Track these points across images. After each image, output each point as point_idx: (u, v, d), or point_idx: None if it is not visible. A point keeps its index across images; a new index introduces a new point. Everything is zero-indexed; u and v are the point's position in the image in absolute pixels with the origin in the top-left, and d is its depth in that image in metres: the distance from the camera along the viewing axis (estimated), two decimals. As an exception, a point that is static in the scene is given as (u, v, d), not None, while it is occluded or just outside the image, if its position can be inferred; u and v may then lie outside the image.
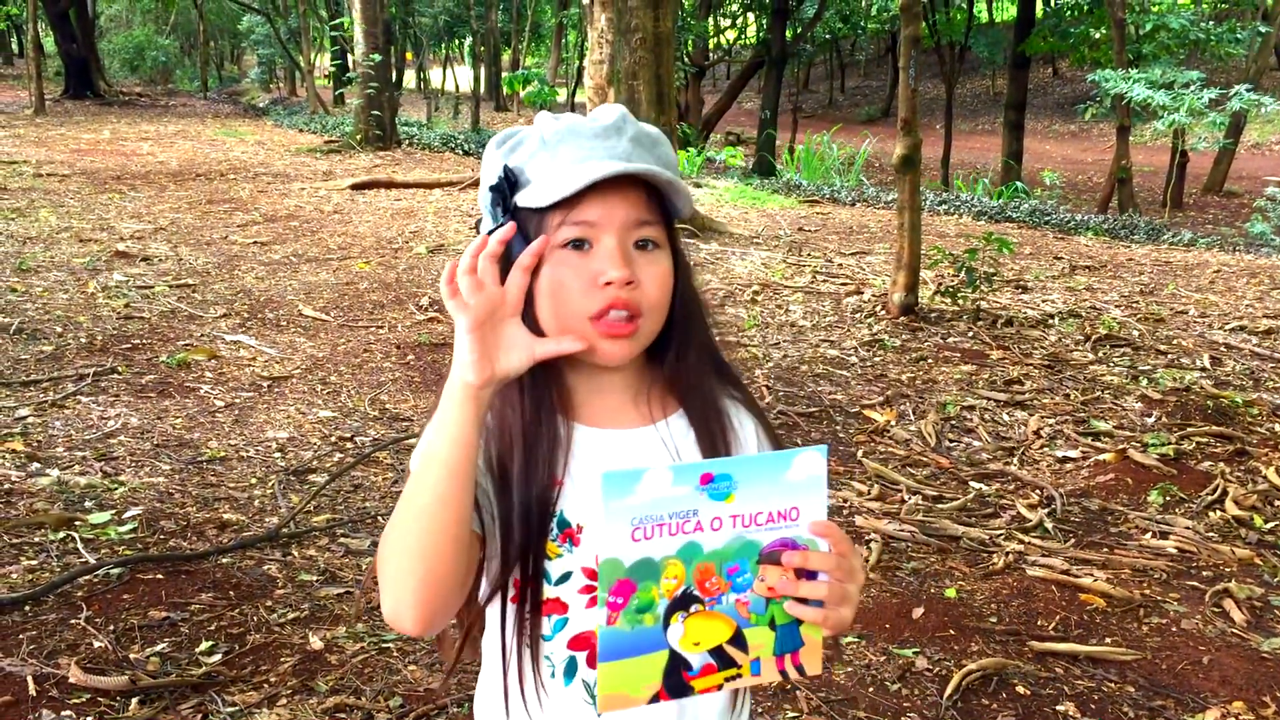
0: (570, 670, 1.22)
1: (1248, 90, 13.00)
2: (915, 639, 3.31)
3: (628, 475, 1.01)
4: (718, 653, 1.07)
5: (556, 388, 1.24)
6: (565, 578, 1.21)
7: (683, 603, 1.05)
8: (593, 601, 1.21)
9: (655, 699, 1.07)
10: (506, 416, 1.22)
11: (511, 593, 1.23)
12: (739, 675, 1.09)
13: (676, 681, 1.07)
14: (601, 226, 1.18)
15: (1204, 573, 3.85)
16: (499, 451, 1.22)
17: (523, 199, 1.20)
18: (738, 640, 1.08)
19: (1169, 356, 6.51)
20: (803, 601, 1.08)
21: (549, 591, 1.21)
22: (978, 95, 35.43)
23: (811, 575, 1.07)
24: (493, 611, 1.24)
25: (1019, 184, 15.82)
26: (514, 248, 1.20)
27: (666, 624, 1.05)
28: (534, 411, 1.22)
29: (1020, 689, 3.06)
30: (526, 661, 1.22)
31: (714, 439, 1.26)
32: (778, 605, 1.08)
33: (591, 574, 1.21)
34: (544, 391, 1.22)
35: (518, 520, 1.20)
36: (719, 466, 1.04)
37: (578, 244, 1.18)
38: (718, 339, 1.34)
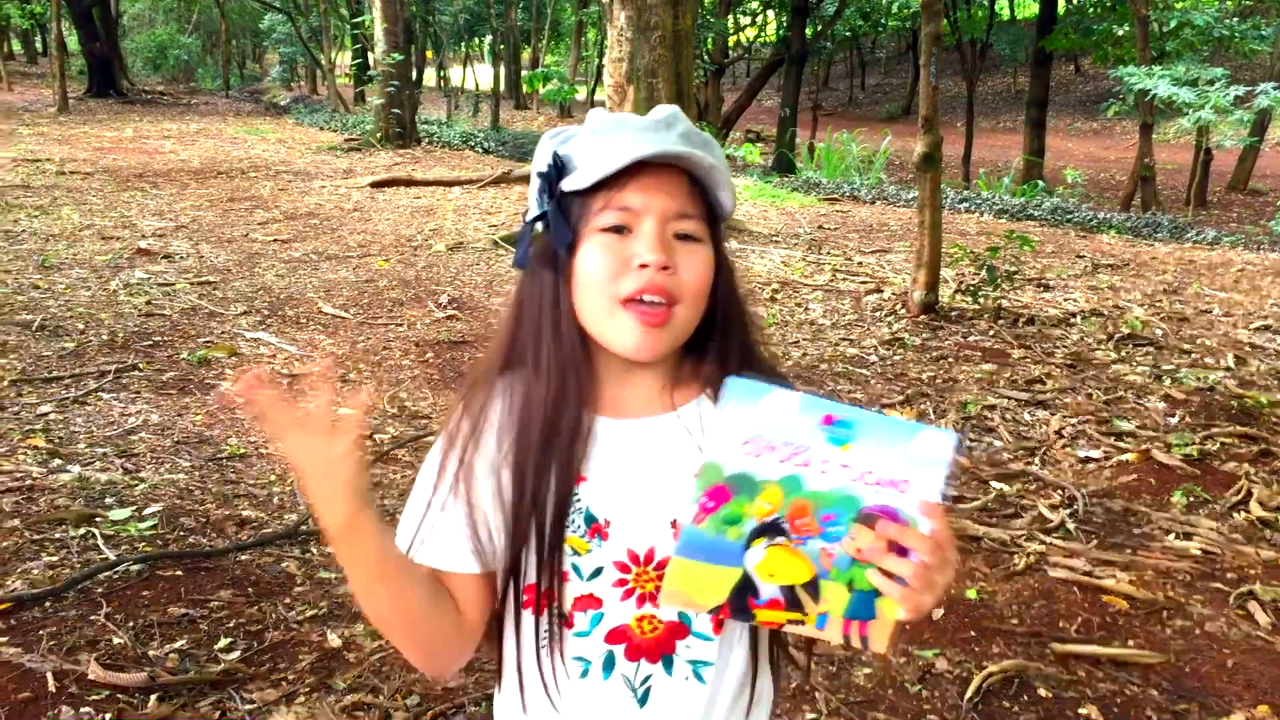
0: (609, 664, 1.22)
1: (1274, 88, 12.87)
2: (936, 640, 3.29)
3: (754, 387, 1.01)
4: (789, 592, 1.04)
5: (582, 380, 1.23)
6: (597, 573, 1.20)
7: (770, 530, 1.03)
8: (628, 594, 1.20)
9: (716, 611, 1.05)
10: (528, 412, 1.22)
11: (525, 598, 1.22)
12: (803, 622, 1.05)
13: (741, 604, 1.05)
14: (642, 213, 1.17)
15: (1228, 575, 3.81)
16: (517, 448, 1.21)
17: (567, 183, 1.20)
18: (812, 587, 1.04)
19: (1192, 356, 6.45)
20: (888, 576, 1.03)
21: (582, 587, 1.20)
22: (999, 93, 35.26)
23: (904, 551, 1.03)
24: (507, 614, 1.24)
25: (1041, 182, 15.72)
26: (556, 232, 1.20)
27: (749, 545, 1.03)
28: (556, 406, 1.21)
29: (1042, 691, 3.04)
30: (554, 666, 1.22)
31: None
32: (862, 569, 1.03)
33: (623, 567, 1.20)
34: (569, 384, 1.21)
35: (534, 518, 1.19)
36: (844, 412, 1.02)
37: (618, 229, 1.18)
38: (762, 345, 1.31)
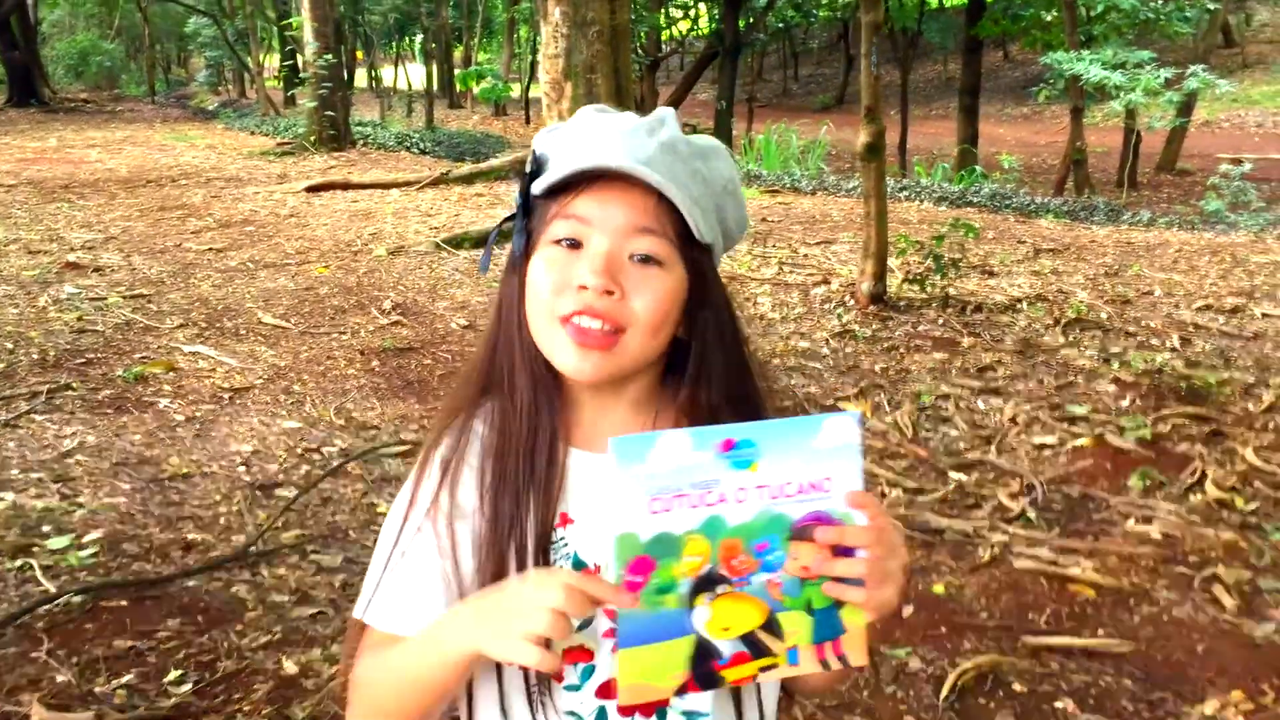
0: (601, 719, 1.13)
1: (1203, 70, 13.08)
2: (907, 638, 3.25)
3: (641, 440, 0.92)
4: (750, 640, 0.97)
5: (557, 411, 1.15)
6: (587, 623, 1.11)
7: (708, 583, 0.95)
8: None
9: (683, 690, 0.97)
10: (504, 442, 1.13)
11: None
12: (774, 665, 0.98)
13: (705, 671, 0.97)
14: (594, 226, 1.08)
15: (1190, 558, 3.82)
16: (493, 484, 1.13)
17: (535, 187, 1.12)
18: (771, 626, 0.97)
19: (1138, 338, 6.50)
20: (841, 582, 0.97)
21: (572, 639, 1.11)
22: (930, 80, 35.57)
23: (849, 552, 0.97)
24: (486, 667, 1.14)
25: (978, 168, 15.85)
26: (515, 236, 1.13)
27: (690, 607, 0.95)
28: (532, 425, 1.13)
29: (1016, 686, 3.01)
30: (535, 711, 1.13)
31: None
32: (814, 587, 0.97)
33: (615, 615, 1.12)
34: (542, 401, 1.13)
35: (514, 560, 1.10)
36: (740, 432, 0.94)
37: (572, 243, 1.09)
38: (759, 373, 1.22)
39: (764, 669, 0.99)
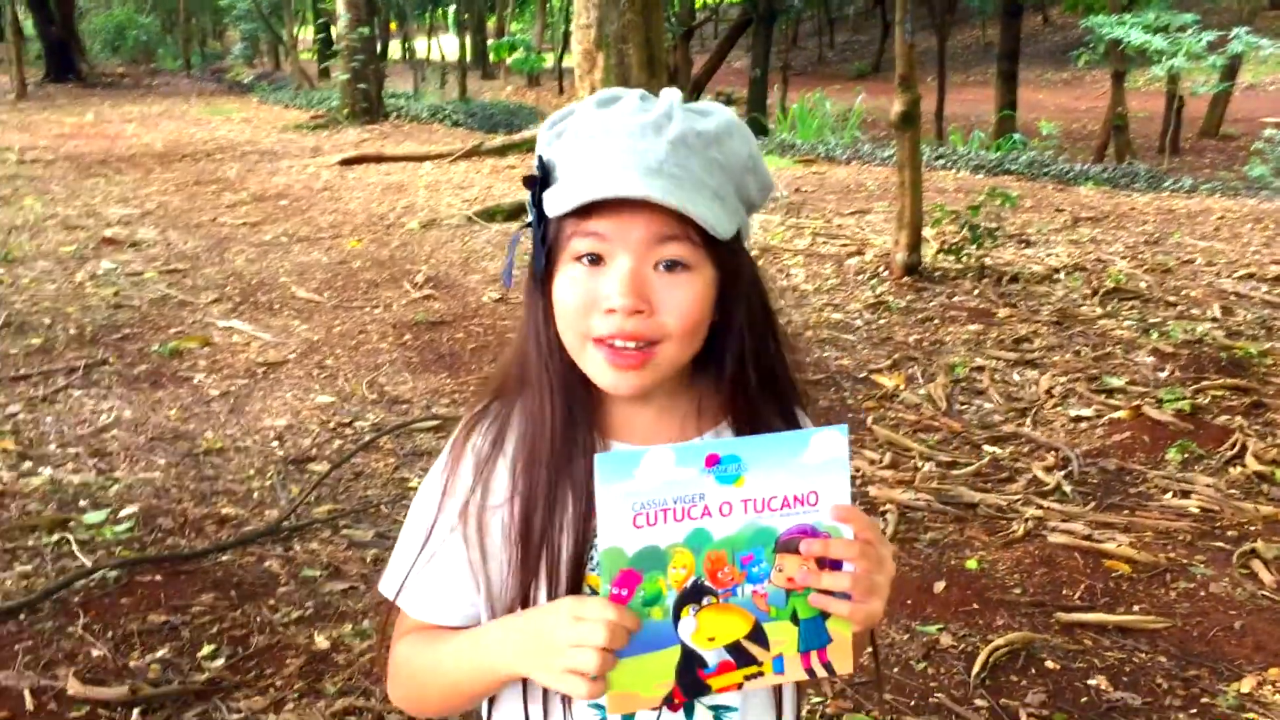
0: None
1: (1247, 33, 12.79)
2: (939, 615, 3.22)
3: (625, 457, 0.93)
4: (735, 649, 0.99)
5: (590, 404, 1.13)
6: None
7: (693, 595, 0.97)
8: None
9: (669, 699, 0.99)
10: (536, 438, 1.12)
11: None
12: (760, 674, 1.00)
13: (692, 680, 0.99)
14: (615, 241, 1.04)
15: (1229, 532, 3.76)
16: (526, 479, 1.11)
17: (546, 205, 1.08)
18: (757, 635, 0.99)
19: (1179, 308, 6.40)
20: (827, 594, 0.98)
21: None
22: (968, 46, 35.08)
23: (835, 565, 0.98)
24: None
25: (1016, 135, 15.63)
26: (535, 254, 1.10)
27: (677, 618, 0.97)
28: (565, 430, 1.11)
29: (1049, 663, 2.98)
30: (568, 714, 1.13)
31: None
32: (800, 598, 0.99)
33: None
34: (576, 407, 1.12)
35: (544, 554, 1.09)
36: (725, 447, 0.96)
37: (593, 259, 1.06)
38: (789, 352, 1.21)
39: (749, 677, 1.01)
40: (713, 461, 0.95)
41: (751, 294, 1.14)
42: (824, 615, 1.00)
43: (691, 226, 1.04)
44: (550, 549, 1.09)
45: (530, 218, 1.11)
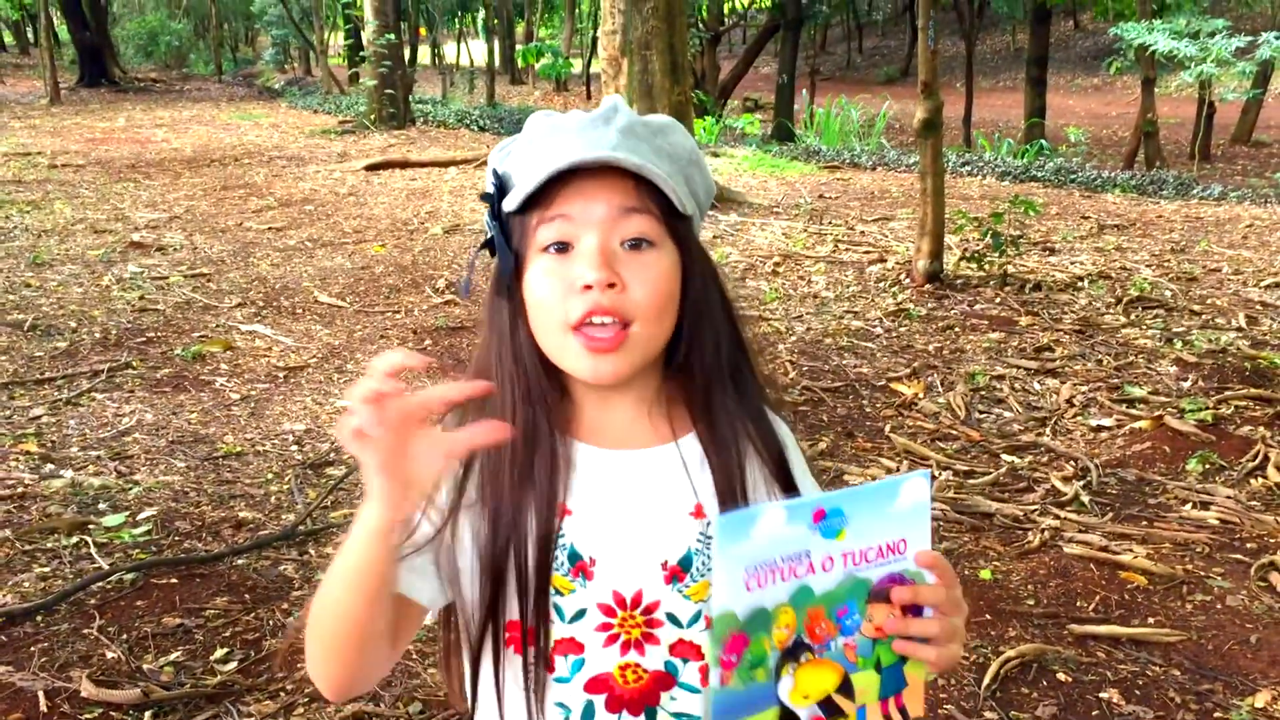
0: (588, 714, 1.13)
1: (1276, 38, 12.66)
2: (950, 625, 3.20)
3: (743, 518, 0.92)
4: (826, 703, 0.99)
5: (556, 403, 1.14)
6: (580, 615, 1.11)
7: (793, 653, 0.96)
8: (611, 640, 1.12)
9: None
10: (500, 457, 1.12)
11: (505, 636, 1.13)
12: None
13: None
14: (580, 223, 1.07)
15: (1248, 545, 3.72)
16: (491, 480, 1.12)
17: (507, 203, 1.11)
18: (845, 687, 0.99)
19: (1203, 317, 6.34)
20: (910, 639, 1.00)
21: (563, 630, 1.11)
22: (998, 51, 34.93)
23: (918, 610, 0.99)
24: (487, 655, 1.14)
25: (1044, 142, 15.53)
26: (500, 257, 1.12)
27: (778, 678, 0.96)
28: (530, 431, 1.12)
29: (1061, 675, 2.96)
30: (533, 711, 1.12)
31: (727, 463, 1.15)
32: (884, 645, 0.99)
33: (609, 610, 1.11)
34: (539, 408, 1.12)
35: (513, 558, 1.10)
36: (831, 502, 0.96)
37: (560, 247, 1.08)
38: (751, 345, 1.21)
39: None
40: (819, 517, 0.95)
41: (711, 286, 1.16)
42: (902, 661, 1.00)
43: (651, 202, 1.08)
44: (517, 553, 1.10)
45: (490, 233, 1.13)
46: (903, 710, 1.01)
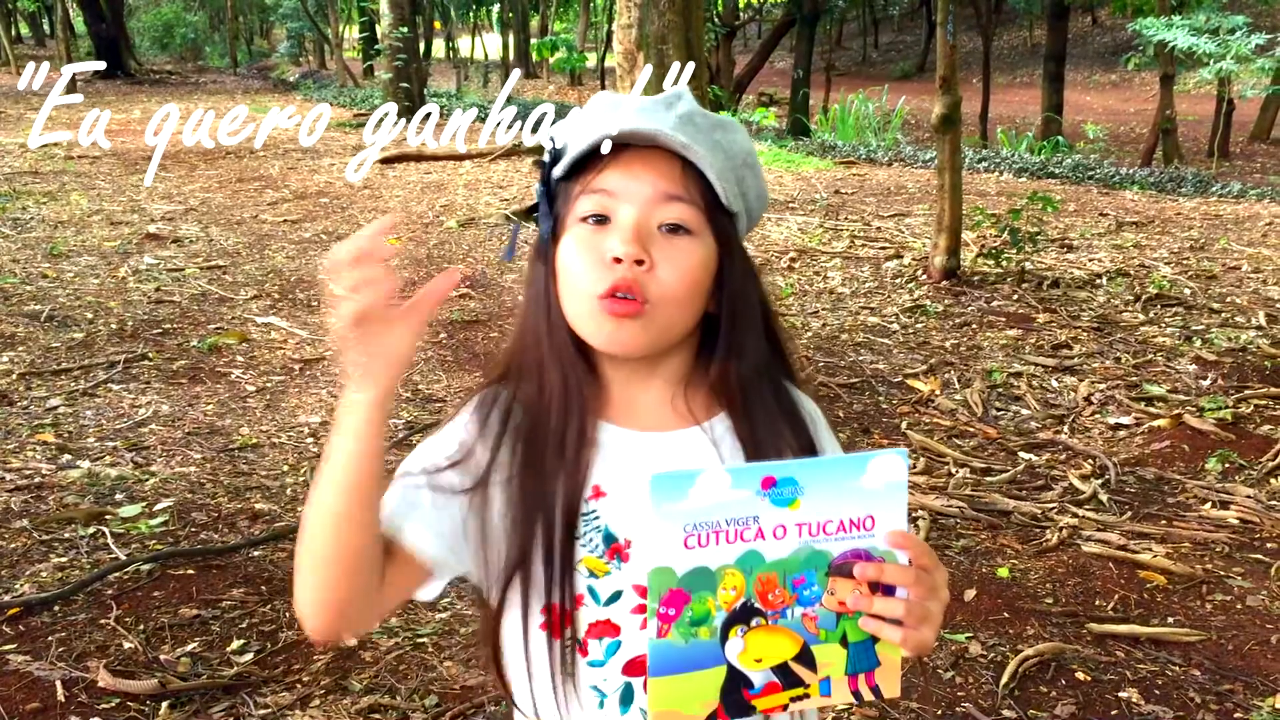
0: (626, 698, 1.12)
1: (1297, 35, 12.57)
2: (968, 623, 3.19)
3: (680, 477, 0.92)
4: (782, 670, 0.98)
5: (589, 384, 1.14)
6: (616, 597, 1.11)
7: (742, 616, 0.95)
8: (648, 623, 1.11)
9: (713, 718, 0.97)
10: (532, 418, 1.12)
11: (539, 620, 1.12)
12: (806, 695, 0.99)
13: (736, 700, 0.97)
14: (621, 198, 1.07)
15: (1268, 545, 3.70)
16: (522, 458, 1.11)
17: (556, 172, 1.12)
18: (804, 657, 0.98)
19: (1223, 315, 6.30)
20: (879, 619, 0.97)
21: (598, 613, 1.11)
22: (1015, 47, 34.75)
23: (889, 590, 0.97)
24: (514, 636, 1.14)
25: (1061, 138, 15.45)
26: (541, 221, 1.13)
27: (724, 638, 0.95)
28: (562, 410, 1.11)
29: (1080, 674, 2.94)
30: (567, 695, 1.12)
31: (761, 449, 1.14)
32: (850, 621, 0.98)
33: (644, 591, 1.09)
34: (573, 388, 1.12)
35: (541, 533, 1.09)
36: (782, 470, 0.94)
37: (599, 219, 1.08)
38: (791, 353, 1.21)
39: (795, 699, 0.99)
40: (769, 484, 0.94)
41: (751, 287, 1.15)
42: (874, 639, 0.99)
43: (696, 191, 1.08)
44: (546, 527, 1.09)
45: (538, 199, 1.14)
46: (875, 689, 1.00)
